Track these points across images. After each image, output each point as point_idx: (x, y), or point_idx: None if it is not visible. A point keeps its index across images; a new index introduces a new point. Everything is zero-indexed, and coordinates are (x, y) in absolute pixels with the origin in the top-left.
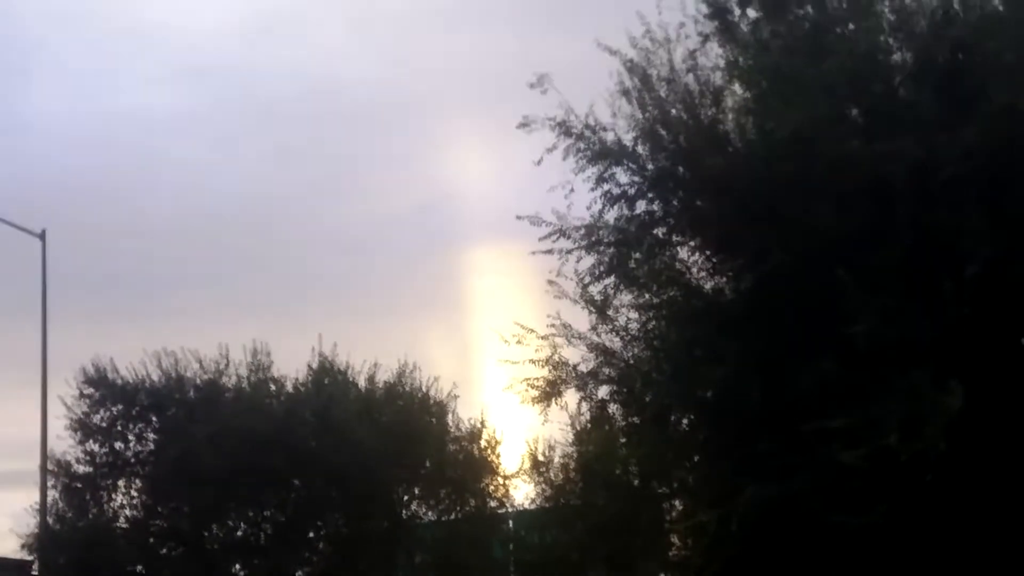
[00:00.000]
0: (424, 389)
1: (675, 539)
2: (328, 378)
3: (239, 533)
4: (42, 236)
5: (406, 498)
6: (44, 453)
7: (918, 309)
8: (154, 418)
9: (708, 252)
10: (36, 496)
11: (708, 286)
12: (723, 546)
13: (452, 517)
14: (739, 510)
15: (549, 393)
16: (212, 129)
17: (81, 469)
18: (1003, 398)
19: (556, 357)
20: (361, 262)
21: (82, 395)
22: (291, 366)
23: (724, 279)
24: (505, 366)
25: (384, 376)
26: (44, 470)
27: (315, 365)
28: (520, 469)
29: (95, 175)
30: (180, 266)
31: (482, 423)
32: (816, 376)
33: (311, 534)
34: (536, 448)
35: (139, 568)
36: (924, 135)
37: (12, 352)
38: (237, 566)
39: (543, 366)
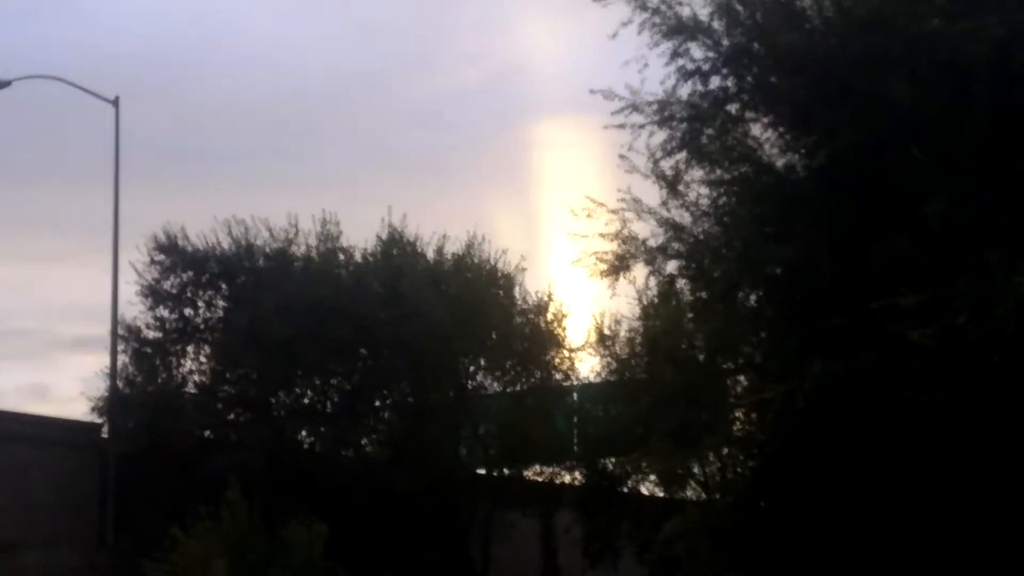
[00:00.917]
0: (492, 262)
1: (740, 415)
2: (397, 249)
3: (306, 401)
4: (115, 103)
5: (472, 369)
6: (115, 318)
7: (993, 190)
8: (224, 286)
9: (781, 129)
10: (107, 360)
11: (780, 163)
12: (788, 422)
13: (517, 389)
14: (805, 386)
15: (617, 267)
16: (286, 2)
17: (151, 335)
18: None
19: (626, 231)
20: (432, 135)
21: (153, 262)
22: (360, 237)
23: (796, 156)
24: (574, 240)
25: (453, 248)
26: (115, 335)
27: (384, 236)
28: (586, 343)
29: (171, 44)
30: (252, 137)
31: (549, 296)
32: (888, 254)
33: (377, 403)
34: (602, 322)
35: (207, 433)
36: (1006, 14)
37: (84, 218)
38: (303, 433)
39: (612, 240)
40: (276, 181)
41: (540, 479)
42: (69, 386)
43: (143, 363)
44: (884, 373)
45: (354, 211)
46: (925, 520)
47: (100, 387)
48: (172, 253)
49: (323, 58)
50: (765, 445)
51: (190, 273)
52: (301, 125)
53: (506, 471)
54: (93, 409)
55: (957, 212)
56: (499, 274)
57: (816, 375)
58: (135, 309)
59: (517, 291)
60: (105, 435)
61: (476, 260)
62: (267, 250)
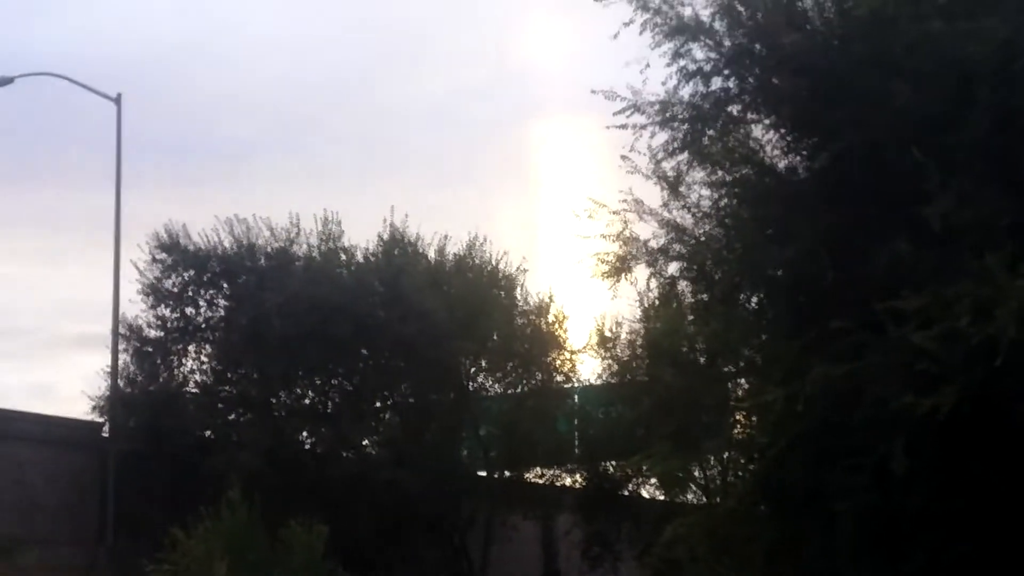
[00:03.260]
0: (493, 262)
1: (740, 418)
2: (398, 249)
3: (306, 401)
4: (117, 100)
5: (473, 370)
6: (116, 316)
7: (995, 192)
8: (225, 285)
9: (783, 130)
10: (108, 359)
11: (782, 164)
12: (788, 426)
13: (518, 390)
14: (806, 389)
15: (619, 268)
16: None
17: (152, 333)
18: None
19: (627, 233)
20: (435, 135)
21: (154, 260)
22: (362, 236)
23: (798, 157)
24: (576, 241)
25: (454, 248)
26: (115, 334)
27: (386, 236)
28: (587, 344)
29: (174, 41)
30: (254, 136)
31: (550, 298)
32: (889, 256)
33: (378, 403)
34: (604, 324)
35: (207, 433)
36: (1007, 15)
37: (87, 216)
38: (304, 433)
39: (614, 241)
40: (278, 179)
41: (541, 481)
42: (72, 385)
43: (144, 362)
44: (885, 376)
45: (356, 210)
46: (931, 526)
47: (101, 386)
48: (174, 252)
49: (326, 56)
50: (766, 448)
51: (192, 272)
52: (304, 123)
53: (507, 473)
54: (94, 408)
55: (959, 214)
56: (500, 275)
57: (817, 378)
58: (136, 308)
59: (519, 292)
60: (106, 434)
61: (477, 261)
62: (268, 249)
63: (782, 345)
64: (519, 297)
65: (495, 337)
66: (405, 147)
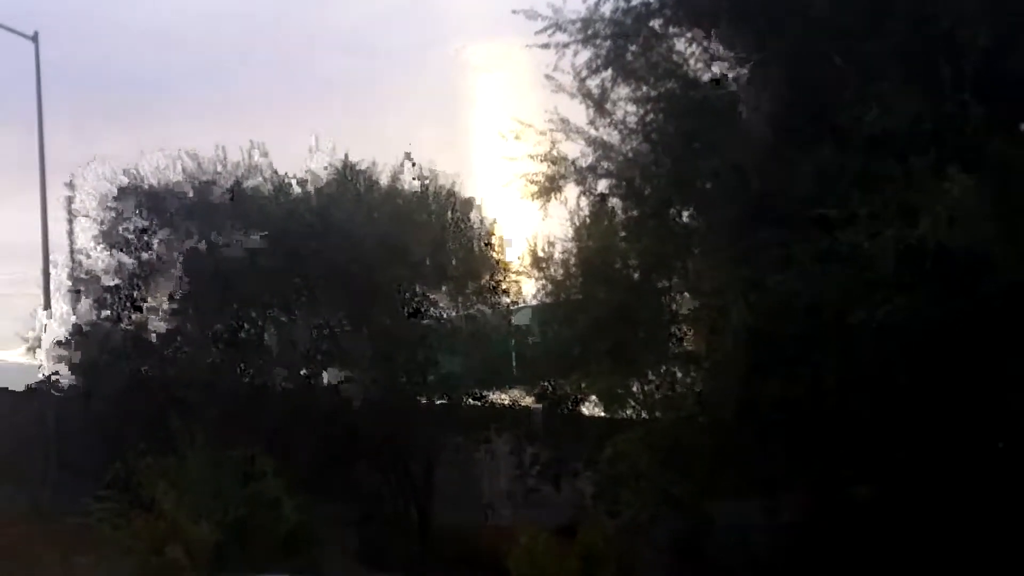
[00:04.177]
0: (422, 185)
1: (676, 331)
2: (329, 176)
3: (242, 335)
4: (35, 38)
5: (407, 295)
6: (46, 256)
7: (916, 97)
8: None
9: (705, 43)
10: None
11: (705, 77)
12: (723, 338)
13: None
14: (739, 301)
15: (548, 188)
16: None
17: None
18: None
19: (555, 152)
20: (350, 63)
21: (109, 207)
22: (291, 168)
23: (720, 70)
24: (504, 162)
25: (384, 175)
26: (46, 273)
27: (313, 165)
28: (520, 266)
29: None
30: (176, 67)
31: (481, 220)
32: (815, 165)
33: (314, 333)
34: (536, 245)
35: (143, 369)
36: None
37: (8, 159)
38: (242, 365)
39: (542, 161)
40: (203, 110)
41: (479, 404)
42: (5, 327)
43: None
44: (817, 285)
45: (282, 139)
46: (866, 435)
47: (36, 327)
48: (130, 196)
49: None
50: (702, 360)
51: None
52: (226, 51)
53: (447, 398)
54: (29, 350)
55: (881, 120)
56: (431, 198)
57: (749, 288)
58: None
59: (449, 215)
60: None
61: (406, 186)
62: (195, 183)
63: (715, 257)
64: (449, 220)
65: (428, 262)
66: (323, 77)
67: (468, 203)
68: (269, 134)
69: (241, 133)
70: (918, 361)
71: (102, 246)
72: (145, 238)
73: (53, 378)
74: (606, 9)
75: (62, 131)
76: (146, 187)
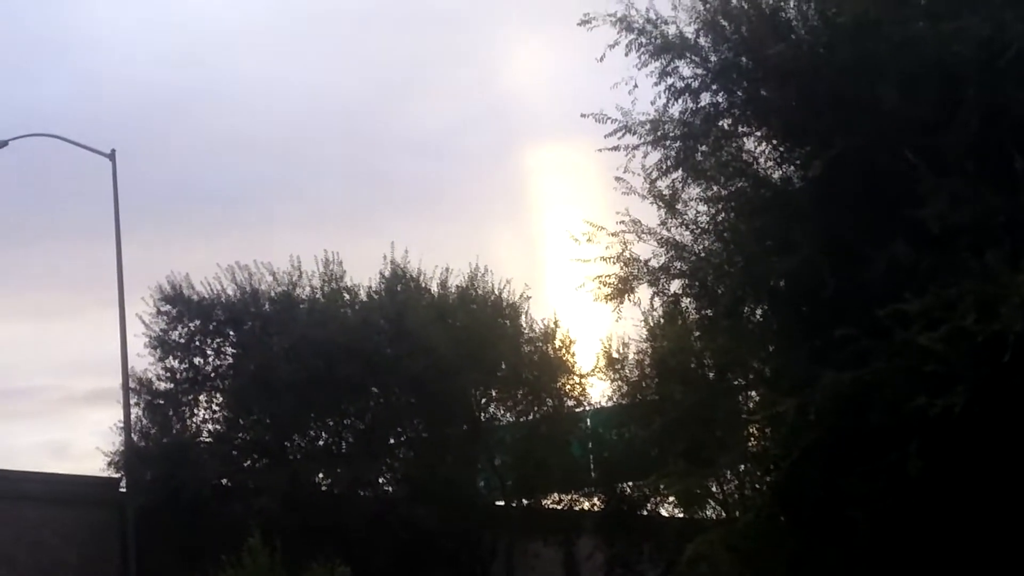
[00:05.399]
0: (496, 292)
1: (753, 430)
2: (401, 285)
3: (320, 443)
4: (112, 156)
5: (483, 401)
6: (125, 371)
7: (988, 190)
8: (231, 332)
9: (775, 141)
10: (120, 415)
11: (776, 175)
12: (801, 435)
13: (530, 418)
14: (816, 398)
15: (622, 289)
16: (276, 38)
17: (163, 386)
18: None
19: (627, 253)
20: (429, 166)
21: (159, 312)
22: (364, 274)
23: (792, 167)
24: (577, 265)
25: (456, 280)
26: (126, 388)
27: (387, 272)
28: (595, 367)
29: (161, 90)
30: (251, 179)
31: (555, 323)
32: (889, 260)
33: (391, 440)
34: (610, 346)
35: (224, 481)
36: (990, 13)
37: (89, 273)
38: (320, 475)
39: (614, 263)
40: (277, 222)
41: (559, 507)
42: (86, 442)
43: (156, 415)
44: (894, 380)
45: (357, 249)
46: (949, 527)
47: (116, 441)
48: (178, 303)
49: (317, 93)
50: (780, 459)
51: (197, 322)
52: (298, 164)
53: (524, 501)
54: (110, 464)
55: (954, 214)
56: (504, 304)
57: (826, 386)
58: (145, 361)
59: (523, 320)
60: (123, 489)
61: (480, 291)
62: (272, 294)
63: (789, 355)
64: (524, 325)
65: (503, 366)
66: (403, 180)
67: (541, 308)
68: (345, 240)
69: (321, 240)
70: (997, 450)
71: (178, 360)
72: (224, 348)
73: (133, 492)
74: (674, 110)
75: (140, 246)
76: (224, 300)
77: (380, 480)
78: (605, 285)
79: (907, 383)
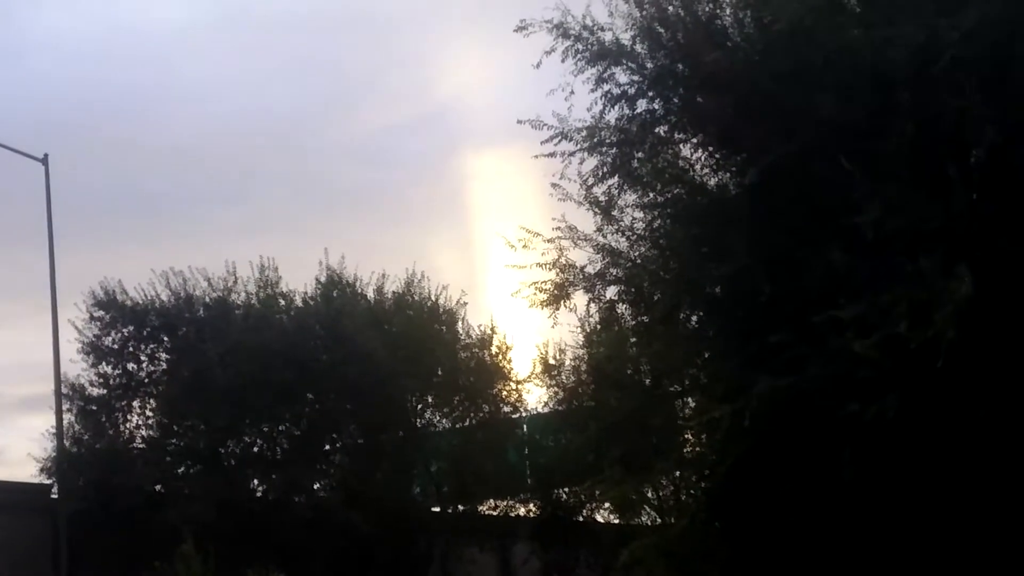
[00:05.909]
0: (433, 298)
1: (689, 436)
2: (336, 291)
3: (255, 449)
4: (44, 160)
5: (420, 407)
6: (58, 377)
7: (924, 196)
8: (165, 338)
9: (711, 148)
10: (52, 420)
11: (712, 182)
12: (736, 441)
13: (466, 424)
14: (751, 404)
15: (557, 296)
16: (212, 44)
17: (95, 392)
18: (1013, 283)
19: (563, 260)
20: (364, 174)
21: (92, 318)
22: (299, 280)
23: (728, 175)
24: (513, 271)
25: (392, 287)
26: (59, 394)
27: (323, 278)
28: (532, 374)
29: (96, 93)
30: (187, 185)
31: (492, 329)
32: (824, 267)
33: (327, 447)
34: (547, 352)
35: (157, 487)
36: (924, 20)
37: (21, 279)
38: (255, 481)
39: (550, 269)
40: (215, 227)
41: (495, 513)
42: (19, 448)
43: (89, 421)
44: (828, 386)
45: (295, 253)
46: (882, 532)
47: (47, 447)
48: (111, 309)
49: (253, 99)
50: (716, 465)
51: (131, 328)
52: (237, 167)
53: (461, 507)
54: (42, 470)
55: (889, 221)
56: (441, 310)
57: (761, 392)
58: (78, 367)
59: (460, 326)
60: (55, 495)
61: (417, 297)
62: (207, 300)
63: (725, 362)
64: (461, 331)
65: (440, 372)
66: (336, 188)
67: (478, 314)
68: (281, 246)
69: (258, 247)
70: (930, 454)
71: (111, 365)
72: (158, 354)
73: (65, 499)
74: (611, 117)
75: (73, 251)
76: (157, 305)
77: (316, 486)
78: (541, 291)
79: (841, 389)
